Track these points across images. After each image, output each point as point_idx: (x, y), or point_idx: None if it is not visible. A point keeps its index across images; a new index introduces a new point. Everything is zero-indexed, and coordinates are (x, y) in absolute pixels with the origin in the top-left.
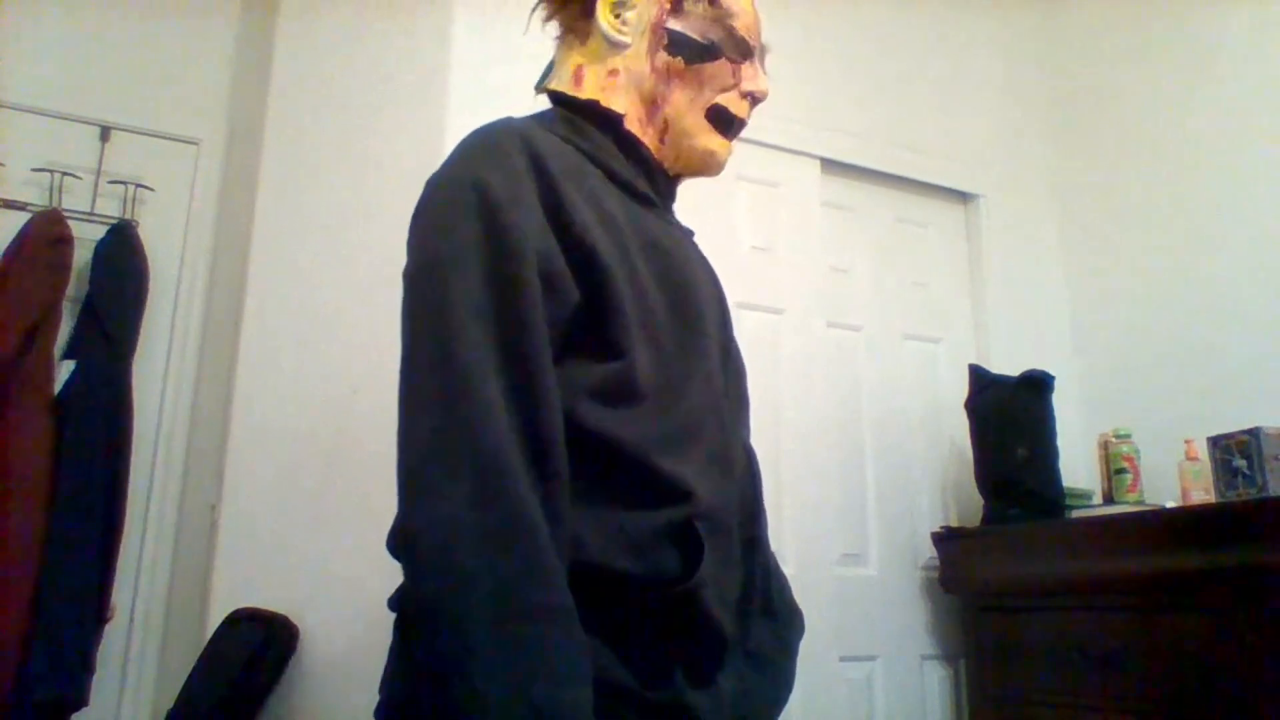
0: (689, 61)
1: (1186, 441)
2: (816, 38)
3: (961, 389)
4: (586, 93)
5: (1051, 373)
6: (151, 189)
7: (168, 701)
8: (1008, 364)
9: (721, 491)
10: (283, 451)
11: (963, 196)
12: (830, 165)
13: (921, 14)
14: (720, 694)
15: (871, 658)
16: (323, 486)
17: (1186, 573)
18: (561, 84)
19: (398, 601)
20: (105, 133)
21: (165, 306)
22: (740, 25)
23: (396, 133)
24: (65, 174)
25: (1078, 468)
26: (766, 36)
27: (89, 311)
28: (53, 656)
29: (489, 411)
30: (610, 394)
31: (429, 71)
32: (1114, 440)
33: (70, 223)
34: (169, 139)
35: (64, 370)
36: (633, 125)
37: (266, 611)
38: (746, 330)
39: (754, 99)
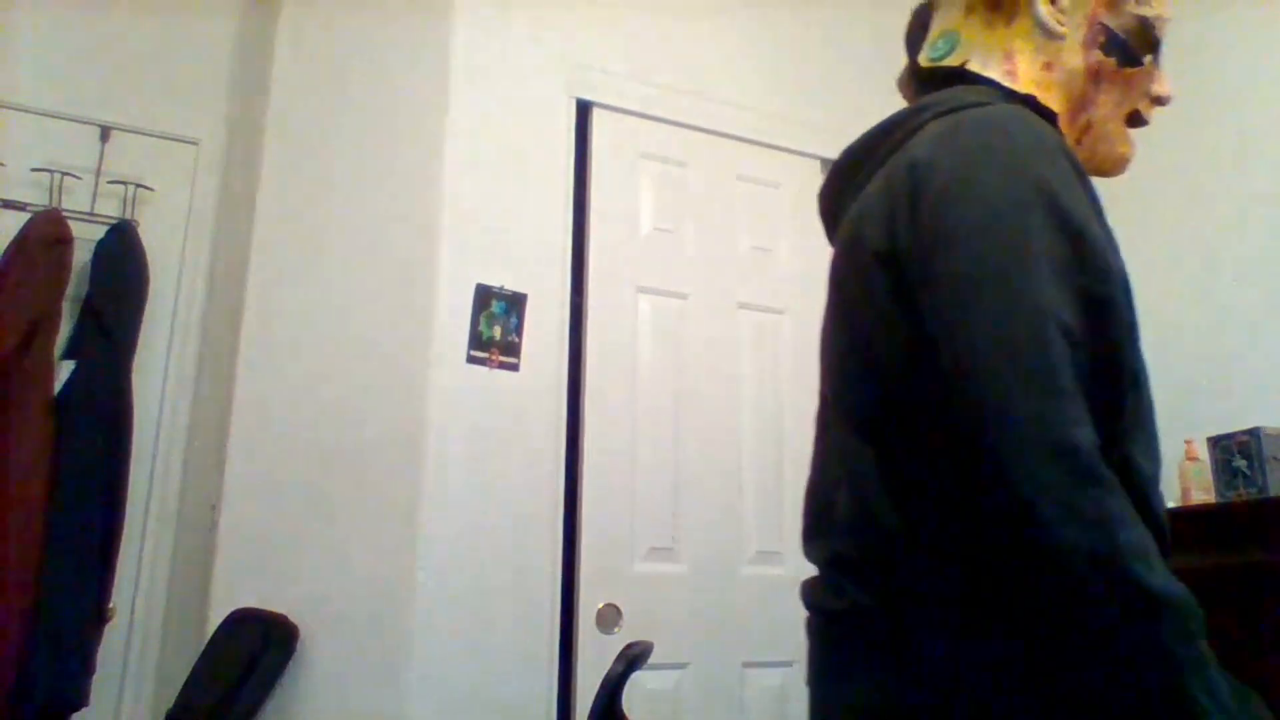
0: (1120, 64)
1: (1186, 442)
2: (817, 38)
3: None
4: (1023, 85)
5: None
6: (151, 189)
7: (168, 701)
8: None
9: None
10: (283, 451)
11: None
12: (830, 165)
13: None
14: None
15: None
16: (323, 486)
17: (1186, 573)
18: (992, 70)
19: (826, 597)
20: (105, 133)
21: (165, 306)
22: (1159, 25)
23: (397, 131)
24: (65, 174)
25: None
26: (771, 39)
27: (89, 311)
28: (53, 657)
29: (1090, 431)
30: (1131, 423)
31: (429, 70)
32: None
33: (70, 223)
34: (169, 139)
35: (64, 370)
36: (1061, 125)
37: (266, 611)
38: (746, 330)
39: (1160, 103)
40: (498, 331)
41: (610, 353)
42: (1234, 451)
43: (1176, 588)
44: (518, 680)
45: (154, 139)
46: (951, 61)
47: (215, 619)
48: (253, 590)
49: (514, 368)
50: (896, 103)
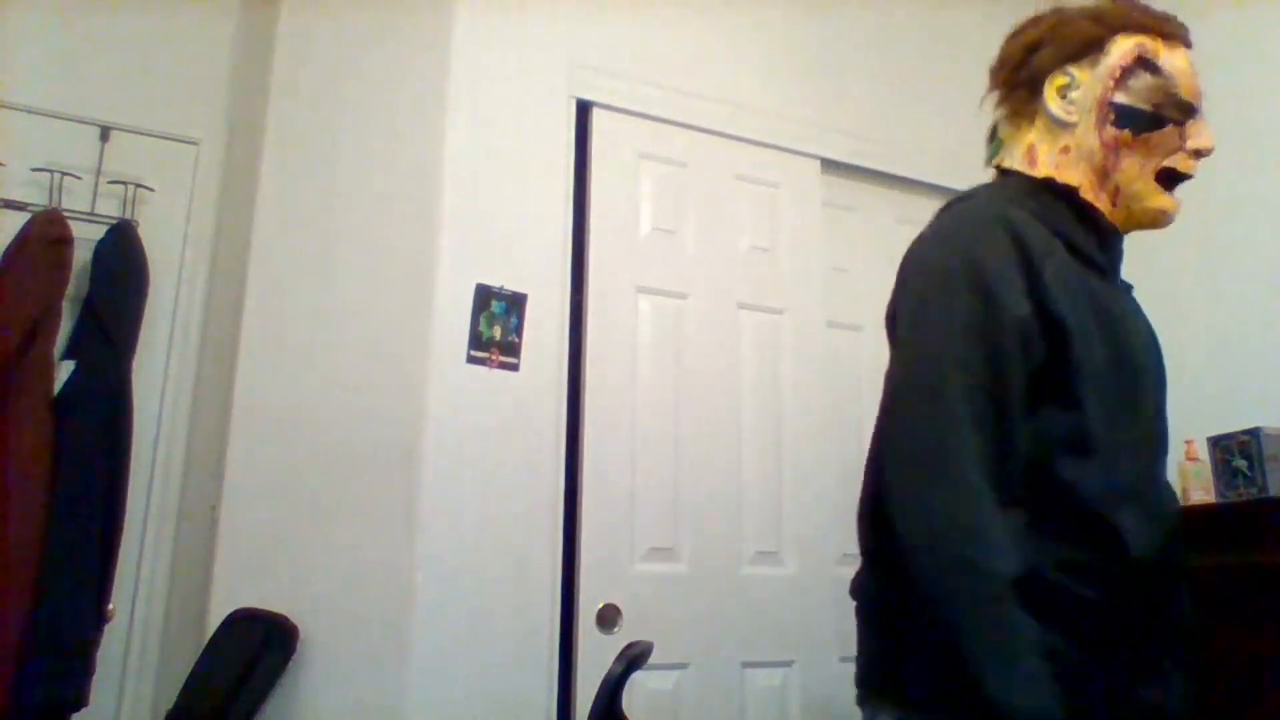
0: (1136, 133)
1: (1186, 442)
2: (816, 38)
3: None
4: (1041, 170)
5: None
6: (151, 189)
7: (168, 701)
8: None
9: (1155, 546)
10: (283, 451)
11: None
12: (830, 165)
13: (922, 14)
14: (1155, 699)
15: None
16: (323, 486)
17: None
18: (1015, 162)
19: (866, 589)
20: (105, 133)
21: (165, 306)
22: (1183, 88)
23: (396, 132)
24: (65, 174)
25: None
26: (770, 39)
27: (89, 311)
28: (53, 657)
29: (967, 444)
30: (1072, 444)
31: (429, 70)
32: None
33: (70, 223)
34: (169, 139)
35: (64, 370)
36: (1086, 195)
37: (266, 611)
38: (746, 330)
39: (1200, 155)
40: (498, 331)
41: (610, 353)
42: (1234, 451)
43: (994, 562)
44: (518, 680)
45: (154, 139)
46: (996, 162)
47: (215, 619)
48: (253, 590)
49: (514, 368)
50: (895, 103)
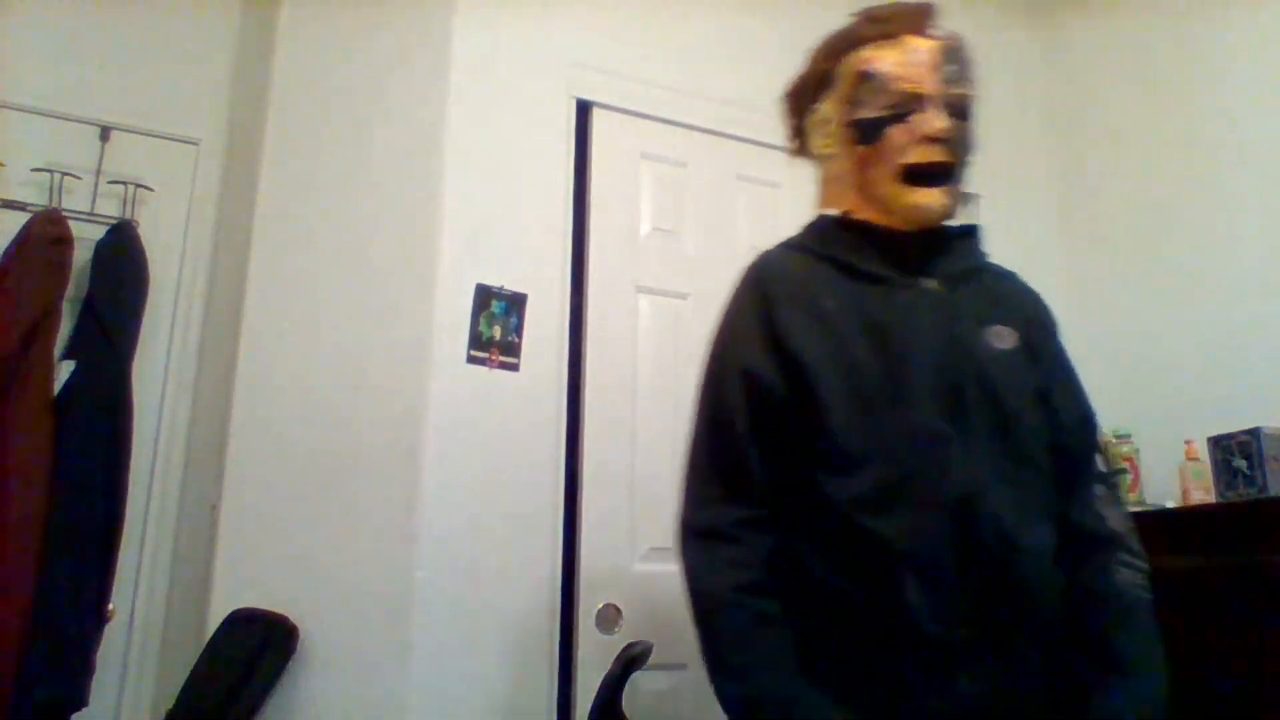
0: (871, 142)
1: (1186, 442)
2: (817, 38)
3: None
4: (823, 205)
5: None
6: (151, 189)
7: (168, 701)
8: None
9: (929, 532)
10: (283, 451)
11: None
12: None
13: None
14: (972, 689)
15: None
16: (323, 486)
17: (1186, 573)
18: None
19: None
20: (105, 133)
21: (165, 306)
22: (903, 83)
23: (397, 132)
24: (65, 174)
25: None
26: (771, 39)
27: (89, 311)
28: (53, 656)
29: (703, 459)
30: (828, 463)
31: (429, 71)
32: (1114, 440)
33: (70, 223)
34: (169, 139)
35: (64, 370)
36: (861, 213)
37: (266, 612)
38: None
39: (932, 139)
40: (498, 331)
41: (610, 353)
42: (1234, 451)
43: (720, 591)
44: (518, 680)
45: (154, 139)
46: None
47: (215, 619)
48: (253, 590)
49: (514, 368)
50: None
